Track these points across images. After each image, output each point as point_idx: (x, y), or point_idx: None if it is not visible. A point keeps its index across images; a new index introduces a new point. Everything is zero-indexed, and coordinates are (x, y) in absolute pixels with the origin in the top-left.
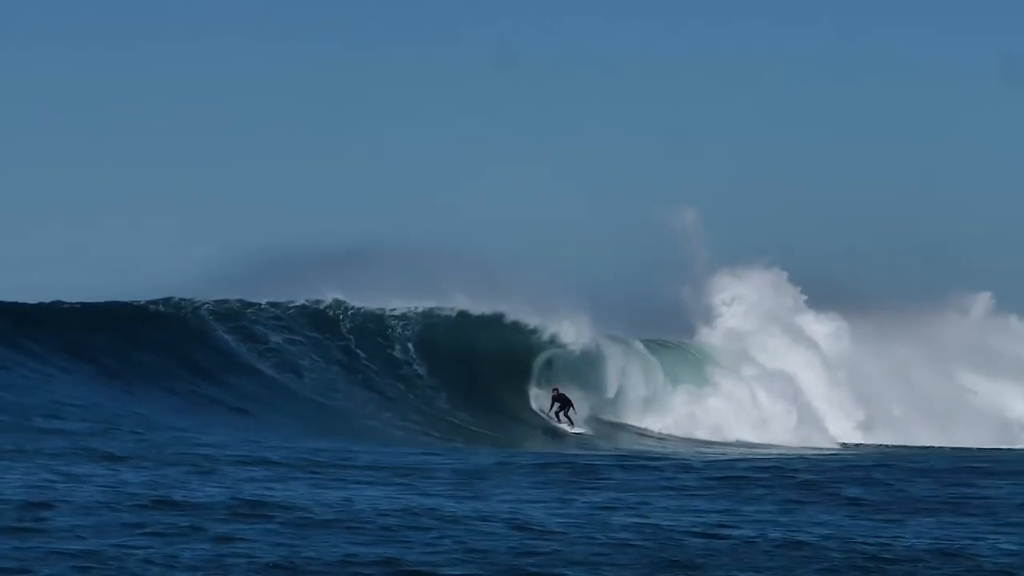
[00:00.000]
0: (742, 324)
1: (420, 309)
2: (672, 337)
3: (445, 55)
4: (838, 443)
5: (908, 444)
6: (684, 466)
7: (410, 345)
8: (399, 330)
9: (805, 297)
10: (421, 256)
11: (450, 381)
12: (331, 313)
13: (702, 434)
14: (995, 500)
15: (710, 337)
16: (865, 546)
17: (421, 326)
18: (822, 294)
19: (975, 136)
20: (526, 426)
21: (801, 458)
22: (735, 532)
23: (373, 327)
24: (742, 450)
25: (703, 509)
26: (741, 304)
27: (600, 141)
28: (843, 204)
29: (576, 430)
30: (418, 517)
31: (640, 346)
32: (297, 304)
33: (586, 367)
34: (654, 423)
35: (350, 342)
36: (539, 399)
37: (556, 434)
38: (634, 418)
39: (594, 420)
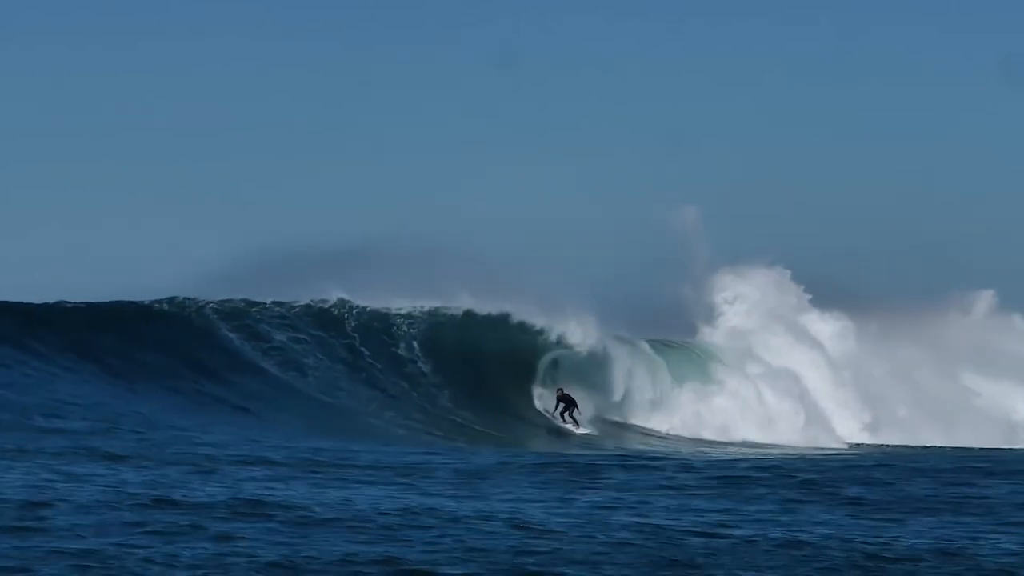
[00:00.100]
0: (745, 323)
1: (426, 308)
2: (674, 337)
3: (445, 55)
4: (846, 444)
5: (911, 444)
6: (685, 466)
7: (415, 344)
8: (404, 329)
9: (809, 296)
10: (421, 256)
11: (454, 380)
12: (336, 312)
13: (709, 434)
14: (995, 500)
15: (712, 336)
16: (865, 545)
17: (426, 325)
18: (823, 294)
19: (975, 136)
20: (530, 426)
21: (802, 458)
22: (735, 531)
23: (378, 326)
24: (744, 450)
25: (703, 508)
26: (744, 303)
27: (600, 141)
28: (843, 204)
29: (581, 430)
30: (418, 516)
31: (646, 346)
32: (302, 303)
33: (592, 368)
34: (661, 423)
35: (355, 340)
36: (543, 399)
37: (559, 434)
38: (641, 419)
39: (600, 420)
